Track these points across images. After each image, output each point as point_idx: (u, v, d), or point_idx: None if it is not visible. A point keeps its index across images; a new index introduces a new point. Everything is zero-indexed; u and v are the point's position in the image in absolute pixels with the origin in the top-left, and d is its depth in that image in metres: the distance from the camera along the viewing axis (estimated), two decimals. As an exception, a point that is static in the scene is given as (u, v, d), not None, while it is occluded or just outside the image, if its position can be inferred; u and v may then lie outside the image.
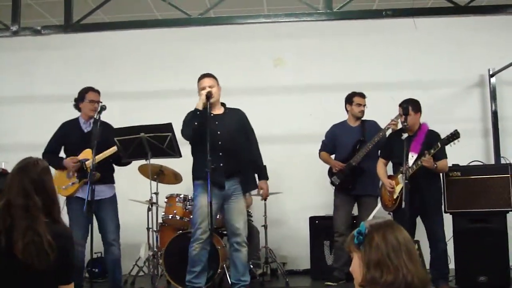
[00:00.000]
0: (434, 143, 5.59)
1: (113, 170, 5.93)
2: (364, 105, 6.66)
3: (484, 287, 5.89)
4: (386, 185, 6.01)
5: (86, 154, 5.59)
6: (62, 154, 5.90)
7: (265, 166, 5.86)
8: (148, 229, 6.79)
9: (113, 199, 5.82)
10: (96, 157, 5.40)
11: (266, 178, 5.81)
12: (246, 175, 5.57)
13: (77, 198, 5.55)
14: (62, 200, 5.76)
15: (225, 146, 5.34)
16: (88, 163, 5.50)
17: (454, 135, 5.51)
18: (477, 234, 6.00)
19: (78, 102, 5.85)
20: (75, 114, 6.01)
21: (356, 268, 2.11)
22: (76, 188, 5.59)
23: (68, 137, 5.82)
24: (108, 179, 5.78)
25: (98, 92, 5.90)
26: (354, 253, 2.14)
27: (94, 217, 5.54)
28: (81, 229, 5.32)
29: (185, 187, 6.69)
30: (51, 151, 5.84)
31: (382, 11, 6.20)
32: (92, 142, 5.39)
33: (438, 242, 5.82)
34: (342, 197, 6.61)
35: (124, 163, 5.93)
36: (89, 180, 5.27)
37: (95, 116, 5.68)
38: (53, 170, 5.73)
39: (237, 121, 5.53)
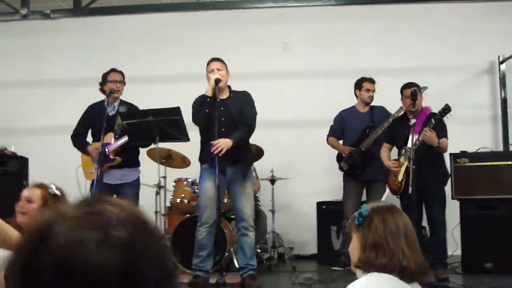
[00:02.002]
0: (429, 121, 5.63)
1: (137, 153, 5.99)
2: (373, 90, 6.64)
3: (491, 273, 5.91)
4: (389, 165, 6.03)
5: (110, 137, 5.65)
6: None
7: (247, 144, 5.66)
8: (156, 212, 6.83)
9: (135, 183, 5.89)
10: (112, 144, 5.51)
11: (231, 139, 5.29)
12: (245, 160, 5.56)
13: (100, 182, 5.61)
14: (88, 184, 5.86)
15: (226, 132, 5.36)
16: (112, 148, 5.58)
17: (446, 109, 5.56)
18: (484, 221, 6.00)
19: (102, 85, 5.89)
20: (85, 98, 6.06)
21: (354, 249, 2.15)
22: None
23: (93, 120, 5.87)
24: (131, 162, 5.85)
25: (120, 72, 5.93)
26: (353, 234, 2.17)
27: None
28: None
29: (193, 171, 6.71)
30: (79, 133, 5.95)
31: (391, -4, 6.17)
32: (116, 126, 5.51)
33: (438, 227, 5.83)
34: (351, 182, 6.62)
35: (146, 145, 5.98)
36: (98, 163, 5.35)
37: (106, 100, 5.73)
38: (79, 154, 5.87)
39: (239, 105, 5.52)
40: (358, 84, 6.69)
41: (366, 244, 2.06)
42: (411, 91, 5.81)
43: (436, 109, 5.97)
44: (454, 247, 6.26)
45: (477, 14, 7.67)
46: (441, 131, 5.71)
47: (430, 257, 5.74)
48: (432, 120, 5.61)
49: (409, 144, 5.64)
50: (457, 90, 7.82)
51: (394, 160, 6.10)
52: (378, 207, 2.18)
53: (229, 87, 5.64)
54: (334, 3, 5.97)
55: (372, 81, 6.66)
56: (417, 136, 5.66)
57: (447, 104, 5.57)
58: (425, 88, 6.08)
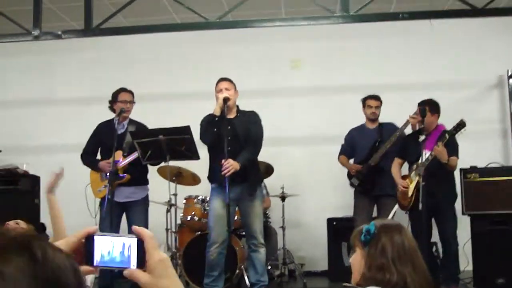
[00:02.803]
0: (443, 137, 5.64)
1: (146, 172, 6.03)
2: (377, 106, 6.65)
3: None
4: (398, 184, 6.04)
5: (118, 155, 5.70)
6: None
7: (255, 163, 5.67)
8: (167, 230, 6.85)
9: (143, 202, 5.93)
10: (120, 162, 5.56)
11: (239, 161, 5.35)
12: (252, 179, 5.57)
13: (109, 200, 5.66)
14: (97, 202, 5.92)
15: (233, 151, 5.39)
16: (120, 165, 5.63)
17: (460, 125, 5.56)
18: (496, 236, 5.99)
19: (112, 103, 5.96)
20: (95, 117, 6.12)
21: (357, 264, 2.14)
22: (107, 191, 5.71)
23: (102, 138, 5.93)
24: (140, 180, 5.89)
25: (130, 92, 6.00)
26: (357, 248, 2.17)
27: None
28: (109, 230, 5.41)
29: (204, 188, 6.75)
30: (89, 152, 6.01)
31: (398, 14, 6.19)
32: (124, 144, 5.58)
33: (449, 244, 5.82)
34: (362, 199, 6.62)
35: (156, 163, 6.03)
36: (109, 181, 5.40)
37: (116, 119, 5.80)
38: (89, 171, 5.92)
39: (246, 125, 5.56)
40: (363, 102, 6.73)
41: (372, 264, 2.06)
42: (419, 108, 5.84)
43: (446, 124, 6.00)
44: (465, 262, 6.24)
45: (486, 29, 7.69)
46: (452, 149, 5.71)
47: (443, 273, 5.74)
48: (446, 135, 5.61)
49: (421, 160, 5.65)
50: (466, 105, 7.82)
51: (405, 175, 6.10)
52: (387, 225, 2.17)
53: (237, 107, 5.69)
54: (342, 21, 6.00)
55: (375, 97, 6.67)
56: (429, 153, 5.67)
57: (462, 120, 5.56)
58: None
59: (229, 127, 5.45)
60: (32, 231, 0.94)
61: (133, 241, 1.24)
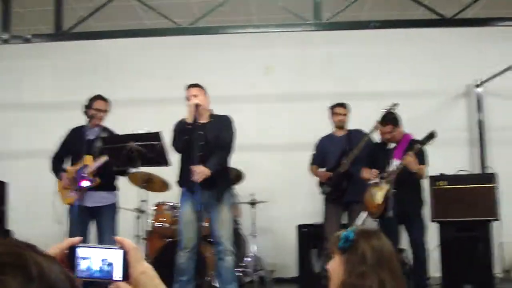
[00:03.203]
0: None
1: (115, 177, 5.98)
2: (344, 114, 6.71)
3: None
4: (368, 174, 6.05)
5: (88, 160, 5.63)
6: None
7: (224, 168, 5.59)
8: (136, 236, 6.79)
9: (113, 207, 5.87)
10: (89, 167, 5.51)
11: (208, 167, 5.31)
12: (220, 185, 5.53)
13: (78, 206, 5.59)
14: (65, 208, 5.84)
15: (204, 156, 5.36)
16: (90, 170, 5.57)
17: (431, 135, 5.63)
18: (463, 243, 6.07)
19: (87, 108, 5.89)
20: (66, 122, 6.05)
21: (336, 271, 2.12)
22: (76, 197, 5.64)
23: (73, 143, 5.86)
24: (109, 186, 5.84)
25: (106, 100, 5.94)
26: (335, 255, 2.16)
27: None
28: (78, 235, 5.33)
29: (174, 195, 6.71)
30: (58, 156, 5.94)
31: (370, 22, 6.27)
32: (94, 149, 5.52)
33: (418, 250, 5.90)
34: (332, 205, 6.63)
35: (124, 173, 6.00)
36: (75, 187, 5.37)
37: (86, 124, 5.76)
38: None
39: (218, 130, 5.54)
40: (331, 110, 6.78)
41: (352, 271, 2.04)
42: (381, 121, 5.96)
43: (415, 132, 6.08)
44: (434, 269, 6.31)
45: (455, 39, 7.81)
46: (421, 157, 5.79)
47: (412, 279, 5.80)
48: (418, 145, 5.68)
49: (390, 168, 5.71)
50: (435, 113, 7.94)
51: (374, 183, 6.14)
52: (365, 231, 2.16)
53: (211, 111, 5.68)
54: (314, 29, 6.04)
55: (342, 105, 6.72)
56: (398, 161, 5.74)
57: (433, 131, 5.64)
58: (396, 104, 6.15)
59: (201, 132, 5.43)
60: (20, 242, 0.86)
61: (117, 253, 1.22)
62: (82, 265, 1.22)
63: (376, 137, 6.48)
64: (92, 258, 1.22)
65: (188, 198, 5.43)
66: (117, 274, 1.21)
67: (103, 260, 1.22)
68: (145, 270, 1.21)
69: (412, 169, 5.68)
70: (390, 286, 2.00)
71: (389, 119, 6.01)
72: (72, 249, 1.22)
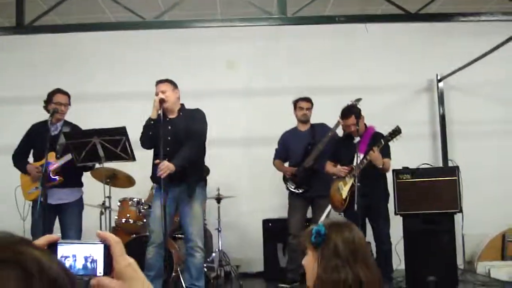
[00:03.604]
0: (379, 142, 5.77)
1: (80, 173, 5.89)
2: (308, 108, 6.74)
3: (433, 287, 6.04)
4: (338, 170, 6.09)
5: (51, 157, 5.54)
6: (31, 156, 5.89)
7: (195, 162, 5.53)
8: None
9: (77, 204, 5.80)
10: (53, 164, 5.43)
11: (174, 163, 5.27)
12: (190, 180, 5.50)
13: (41, 203, 5.49)
14: (27, 204, 5.73)
15: (172, 152, 5.35)
16: (53, 167, 5.47)
17: (396, 131, 5.71)
18: (427, 235, 6.13)
19: (47, 103, 5.78)
20: (28, 118, 5.94)
21: (310, 266, 2.12)
22: (40, 193, 5.53)
23: (35, 139, 5.75)
24: (73, 182, 5.75)
25: (66, 94, 5.83)
26: (309, 250, 2.15)
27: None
28: (42, 233, 5.25)
29: (140, 190, 6.66)
30: (20, 153, 5.83)
31: (335, 17, 6.28)
32: (58, 145, 5.45)
33: (383, 243, 5.98)
34: (296, 199, 6.67)
35: (88, 168, 5.91)
36: (41, 184, 5.26)
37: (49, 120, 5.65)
38: (18, 174, 5.73)
39: (187, 124, 5.51)
40: (294, 104, 6.80)
41: (326, 266, 2.04)
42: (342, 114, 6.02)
43: (378, 126, 6.14)
44: (397, 262, 6.39)
45: (417, 34, 7.91)
46: (385, 151, 5.87)
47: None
48: (382, 141, 5.74)
49: (354, 162, 5.76)
50: (397, 107, 8.03)
51: (339, 178, 6.18)
52: (336, 223, 2.16)
53: (182, 105, 5.64)
54: (280, 23, 6.02)
55: (306, 99, 6.76)
56: (362, 155, 5.79)
57: (398, 126, 5.72)
58: (359, 99, 6.23)
59: (170, 127, 5.40)
60: (14, 236, 0.84)
61: (98, 248, 1.19)
62: (65, 263, 1.18)
63: (340, 132, 6.53)
64: (76, 255, 1.19)
65: (158, 194, 5.41)
66: (100, 270, 1.18)
67: (86, 257, 1.19)
68: (130, 263, 1.18)
69: (377, 165, 5.75)
70: (365, 276, 2.01)
71: (352, 111, 6.06)
72: (51, 246, 1.18)
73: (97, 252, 1.19)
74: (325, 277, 2.02)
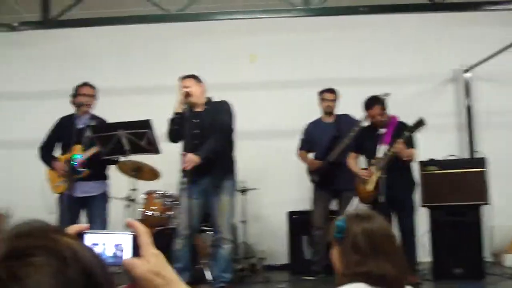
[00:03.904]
0: (402, 134, 5.71)
1: (106, 166, 5.94)
2: (332, 99, 6.69)
3: (460, 279, 5.99)
4: (360, 174, 6.07)
5: (77, 150, 5.59)
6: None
7: (222, 153, 5.54)
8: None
9: (103, 196, 5.85)
10: (79, 157, 5.48)
11: (199, 155, 5.32)
12: (216, 172, 5.52)
13: (68, 196, 5.55)
14: (54, 197, 5.80)
15: (200, 144, 5.37)
16: (79, 159, 5.53)
17: (419, 123, 5.63)
18: (453, 227, 6.09)
19: (74, 97, 5.83)
20: (53, 111, 5.99)
21: (336, 261, 2.07)
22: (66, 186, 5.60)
23: (62, 132, 5.81)
24: (99, 175, 5.80)
25: (92, 86, 5.88)
26: (334, 245, 2.11)
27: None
28: (68, 226, 5.30)
29: (164, 183, 6.69)
30: (47, 146, 5.89)
31: (358, 8, 6.23)
32: (84, 138, 5.48)
33: (407, 235, 5.91)
34: (320, 192, 6.65)
35: (114, 161, 5.96)
36: (68, 176, 5.33)
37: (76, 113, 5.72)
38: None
39: (214, 116, 5.53)
40: (319, 95, 6.76)
41: (349, 261, 1.99)
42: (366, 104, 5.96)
43: (402, 117, 6.08)
44: (423, 254, 6.34)
45: (442, 24, 7.80)
46: (410, 142, 5.80)
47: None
48: (405, 133, 5.68)
49: (379, 154, 5.72)
50: (422, 99, 7.93)
51: (364, 169, 6.15)
52: (355, 215, 2.10)
53: (208, 99, 5.65)
54: (303, 14, 6.01)
55: (330, 90, 6.71)
56: (388, 146, 5.74)
57: (421, 118, 5.64)
58: (388, 94, 6.15)
59: (197, 121, 5.42)
60: (48, 225, 0.85)
61: (126, 237, 1.20)
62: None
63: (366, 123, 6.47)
64: (102, 244, 1.20)
65: (186, 186, 5.41)
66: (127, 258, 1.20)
67: (116, 246, 1.20)
68: (157, 252, 1.20)
69: (402, 156, 5.69)
70: (388, 270, 1.95)
71: (376, 101, 6.01)
72: (79, 236, 1.19)
73: (126, 241, 1.20)
74: (349, 272, 1.98)
